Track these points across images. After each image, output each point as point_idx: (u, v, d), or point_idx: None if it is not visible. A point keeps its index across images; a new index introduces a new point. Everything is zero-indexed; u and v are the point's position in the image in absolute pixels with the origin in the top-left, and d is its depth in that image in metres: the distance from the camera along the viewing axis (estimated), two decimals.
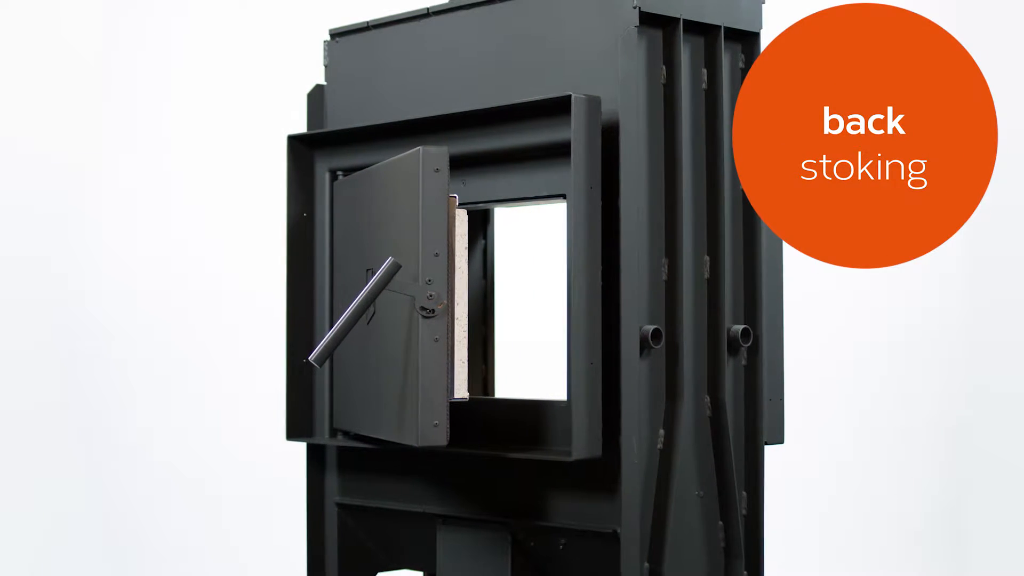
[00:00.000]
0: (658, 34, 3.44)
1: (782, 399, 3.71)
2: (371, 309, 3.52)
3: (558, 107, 3.34)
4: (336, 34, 4.01)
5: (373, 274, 3.53)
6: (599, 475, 3.37)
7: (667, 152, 3.44)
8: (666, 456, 3.41)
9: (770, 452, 3.64)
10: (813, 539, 5.69)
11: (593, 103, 3.31)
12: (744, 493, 3.55)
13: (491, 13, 3.67)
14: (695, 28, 3.49)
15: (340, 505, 3.95)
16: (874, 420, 5.74)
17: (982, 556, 5.59)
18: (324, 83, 4.03)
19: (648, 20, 3.39)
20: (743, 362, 3.57)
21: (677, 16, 3.43)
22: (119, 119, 6.35)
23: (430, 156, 3.27)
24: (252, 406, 5.84)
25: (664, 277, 3.43)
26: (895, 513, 5.70)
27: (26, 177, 6.19)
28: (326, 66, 4.02)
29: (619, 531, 3.32)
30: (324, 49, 4.02)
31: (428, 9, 3.79)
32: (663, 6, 3.41)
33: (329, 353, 3.32)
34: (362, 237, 3.68)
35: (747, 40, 3.59)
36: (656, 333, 3.36)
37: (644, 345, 3.34)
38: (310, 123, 4.01)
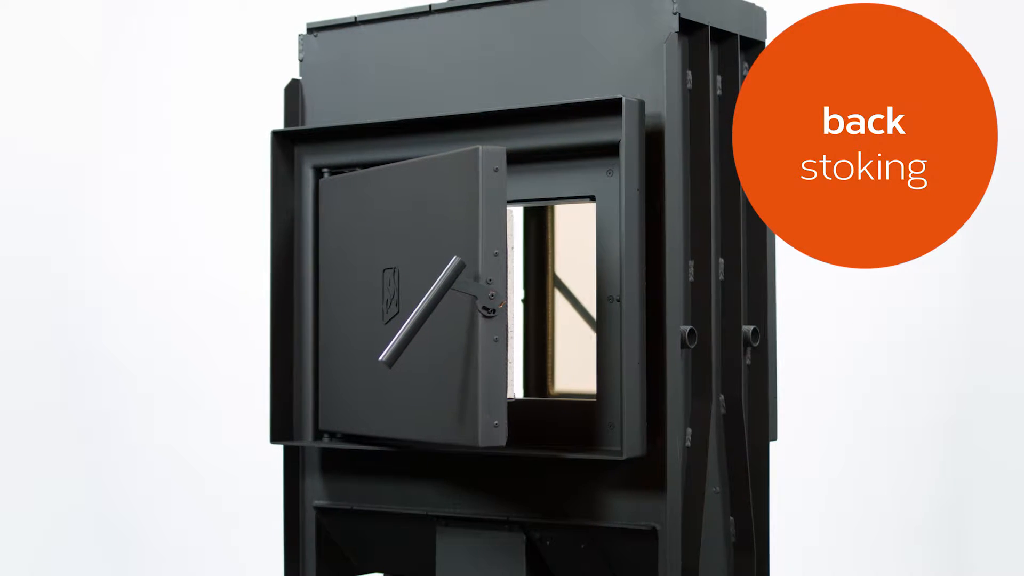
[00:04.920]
0: (684, 40, 3.46)
1: (776, 397, 3.74)
2: (394, 309, 3.52)
3: (596, 109, 3.37)
4: (314, 28, 3.97)
5: (394, 274, 3.52)
6: (633, 473, 3.39)
7: (695, 156, 3.48)
8: (697, 454, 3.45)
9: None
10: (812, 538, 5.69)
11: (640, 106, 3.34)
12: (750, 490, 3.59)
13: (496, 14, 3.66)
14: (714, 36, 3.53)
15: (320, 508, 3.91)
16: (873, 420, 5.74)
17: (982, 556, 5.59)
18: (299, 78, 4.00)
19: (679, 27, 3.43)
20: (747, 362, 3.60)
21: (706, 23, 3.47)
22: (119, 119, 6.35)
23: (489, 155, 3.26)
24: (253, 405, 5.84)
25: (691, 279, 3.45)
26: (894, 513, 5.70)
27: (26, 177, 6.19)
28: (301, 60, 4.00)
29: (658, 528, 3.35)
30: (299, 43, 4.00)
31: (431, 6, 3.78)
32: (696, 13, 3.46)
33: (399, 352, 3.29)
34: (377, 236, 3.65)
35: (753, 49, 3.64)
36: (692, 333, 3.40)
37: (682, 345, 3.39)
38: (287, 119, 3.99)
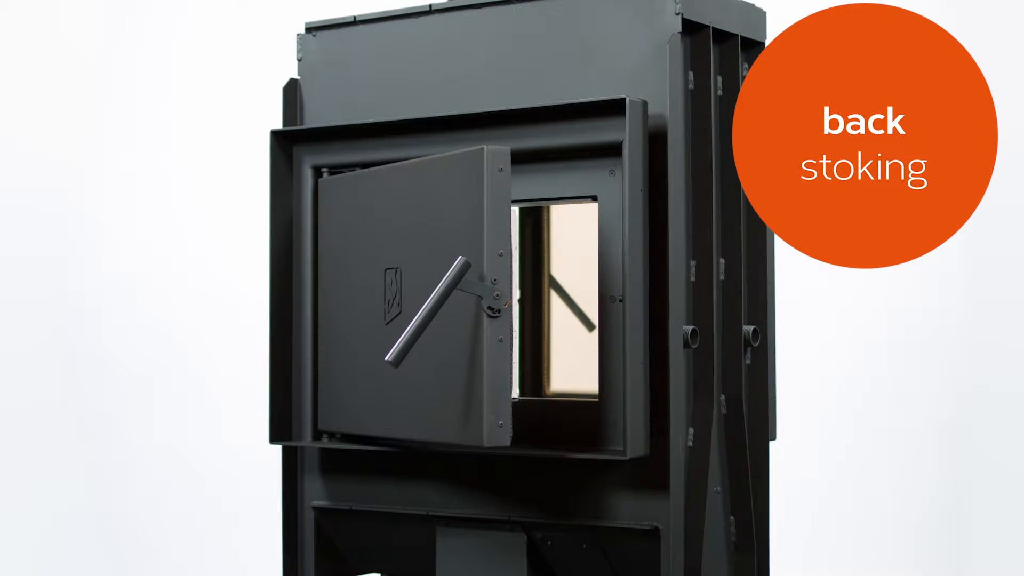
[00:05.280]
0: (686, 41, 3.47)
1: (774, 396, 3.75)
2: (396, 309, 3.52)
3: (599, 109, 3.37)
4: (312, 28, 3.96)
5: (396, 274, 3.51)
6: (636, 473, 3.40)
7: (696, 156, 3.48)
8: (699, 454, 3.45)
9: None
10: (812, 538, 5.69)
11: (643, 106, 3.34)
12: (751, 490, 3.59)
13: (497, 15, 3.66)
14: (715, 36, 3.53)
15: (319, 509, 3.90)
16: (873, 420, 5.74)
17: (982, 556, 5.59)
18: (298, 77, 3.98)
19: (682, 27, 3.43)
20: (747, 361, 3.60)
21: (708, 24, 3.48)
22: (119, 119, 6.35)
23: (494, 155, 3.26)
24: (253, 405, 5.84)
25: (692, 279, 3.45)
26: (894, 513, 5.70)
27: (26, 177, 6.19)
28: (299, 60, 3.99)
29: (661, 528, 3.36)
30: (297, 43, 4.00)
31: (431, 6, 3.78)
32: (698, 14, 3.46)
33: (406, 352, 3.29)
34: (378, 236, 3.64)
35: (753, 49, 3.65)
36: (694, 333, 3.40)
37: (684, 345, 3.39)
38: (285, 118, 3.97)
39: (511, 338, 3.29)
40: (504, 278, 3.27)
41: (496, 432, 3.24)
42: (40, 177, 6.22)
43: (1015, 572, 5.50)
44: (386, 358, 3.28)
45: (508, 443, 3.26)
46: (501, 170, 3.26)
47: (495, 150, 3.27)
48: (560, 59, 3.56)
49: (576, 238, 3.82)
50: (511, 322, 3.29)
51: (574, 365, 3.90)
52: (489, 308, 3.25)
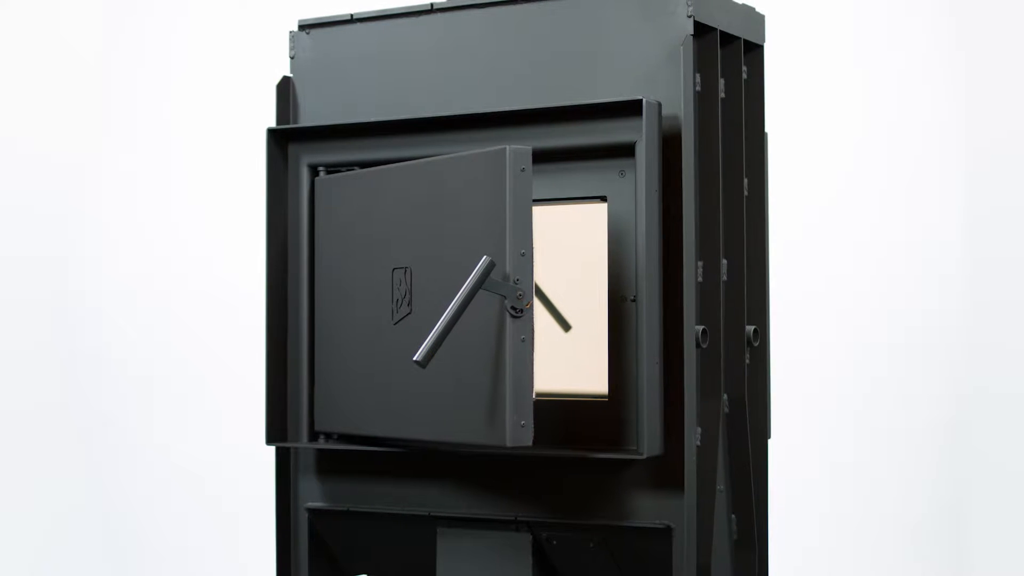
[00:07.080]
0: (695, 43, 3.47)
1: (770, 395, 3.78)
2: (405, 309, 3.51)
3: (612, 110, 3.38)
4: (306, 26, 3.94)
5: (405, 273, 3.51)
6: (646, 472, 3.41)
7: (703, 157, 3.48)
8: (707, 453, 3.46)
9: None
10: (812, 538, 5.69)
11: (658, 108, 3.36)
12: (752, 488, 3.61)
13: (499, 15, 3.65)
14: (720, 39, 3.54)
15: (314, 510, 3.88)
16: (873, 420, 5.74)
17: (982, 556, 5.60)
18: (291, 75, 3.96)
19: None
20: (746, 361, 3.61)
21: (716, 27, 3.48)
22: (119, 119, 6.35)
23: (516, 155, 3.26)
24: (253, 405, 5.84)
25: (699, 279, 3.46)
26: (893, 514, 5.70)
27: (26, 177, 6.19)
28: (292, 58, 3.96)
29: (672, 527, 3.37)
30: (290, 41, 3.99)
31: (431, 5, 3.77)
32: (707, 17, 3.47)
33: (434, 352, 3.27)
34: (386, 236, 3.63)
35: (753, 52, 3.65)
36: (704, 333, 3.42)
37: (696, 345, 3.40)
38: (279, 117, 3.94)
39: (532, 338, 3.29)
40: (526, 278, 3.27)
41: (518, 432, 3.24)
42: (40, 177, 6.22)
43: (1015, 572, 5.51)
44: (414, 359, 3.26)
45: (530, 443, 3.25)
46: (523, 170, 3.26)
47: (517, 150, 3.27)
48: (563, 60, 3.56)
49: (559, 239, 3.81)
50: (532, 322, 3.29)
51: (556, 365, 3.90)
52: (512, 308, 3.25)
